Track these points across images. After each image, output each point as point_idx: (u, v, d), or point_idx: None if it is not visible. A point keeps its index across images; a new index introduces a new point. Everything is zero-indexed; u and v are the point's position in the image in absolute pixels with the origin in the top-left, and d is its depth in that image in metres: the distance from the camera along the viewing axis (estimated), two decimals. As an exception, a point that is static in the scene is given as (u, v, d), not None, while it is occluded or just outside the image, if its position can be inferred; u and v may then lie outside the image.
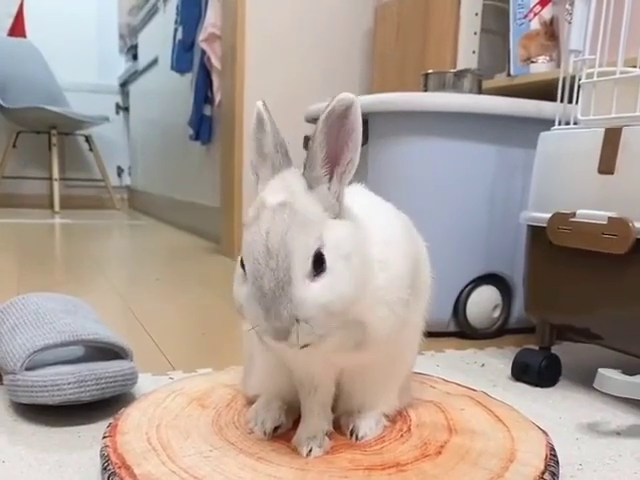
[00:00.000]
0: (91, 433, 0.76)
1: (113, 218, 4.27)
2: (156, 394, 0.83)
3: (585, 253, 0.93)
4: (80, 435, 0.76)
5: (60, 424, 0.78)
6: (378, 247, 0.62)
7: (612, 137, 0.90)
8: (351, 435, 0.70)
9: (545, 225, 0.99)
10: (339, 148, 0.58)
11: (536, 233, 1.03)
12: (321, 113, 0.58)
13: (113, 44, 5.06)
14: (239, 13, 2.21)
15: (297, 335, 0.54)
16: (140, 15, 4.25)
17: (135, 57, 4.55)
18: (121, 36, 4.96)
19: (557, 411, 0.91)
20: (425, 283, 0.73)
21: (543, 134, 1.07)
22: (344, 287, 0.56)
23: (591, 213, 0.92)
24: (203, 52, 2.61)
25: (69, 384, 0.77)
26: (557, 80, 1.02)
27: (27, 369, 0.79)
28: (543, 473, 0.64)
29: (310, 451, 0.65)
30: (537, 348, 1.05)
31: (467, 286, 1.32)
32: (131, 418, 0.74)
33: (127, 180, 5.27)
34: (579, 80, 0.99)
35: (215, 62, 2.54)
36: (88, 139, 4.81)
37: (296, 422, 0.70)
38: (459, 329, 1.34)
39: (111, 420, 0.74)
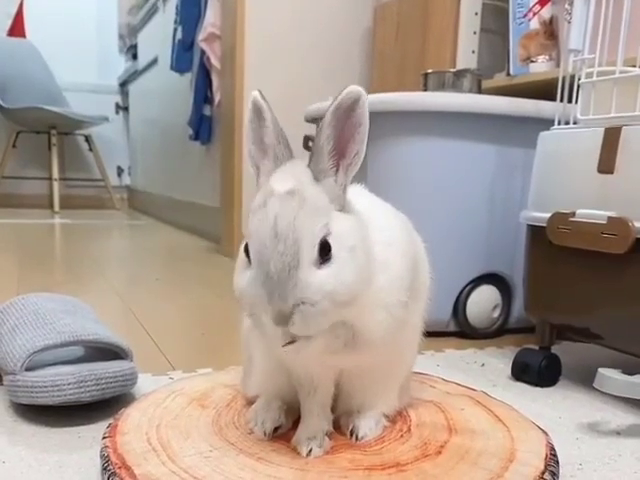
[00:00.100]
0: (91, 433, 0.76)
1: (113, 218, 4.27)
2: (156, 394, 0.83)
3: (585, 253, 0.93)
4: (80, 435, 0.76)
5: (60, 424, 0.78)
6: (378, 247, 0.62)
7: (612, 136, 0.90)
8: (351, 435, 0.70)
9: (545, 225, 0.99)
10: (346, 141, 0.58)
11: (536, 233, 1.03)
12: (329, 106, 0.57)
13: (113, 44, 5.06)
14: (238, 13, 2.21)
15: (295, 321, 0.54)
16: (140, 15, 4.25)
17: (135, 57, 4.55)
18: (121, 36, 4.96)
19: (557, 411, 0.91)
20: (424, 284, 0.73)
21: (543, 134, 1.07)
22: (349, 277, 0.56)
23: (591, 213, 0.92)
24: (203, 52, 2.61)
25: (69, 384, 0.77)
26: (557, 80, 1.02)
27: (27, 369, 0.79)
28: (543, 473, 0.64)
29: (310, 451, 0.65)
30: (537, 348, 1.05)
31: (467, 286, 1.32)
32: (131, 418, 0.74)
33: (127, 180, 5.27)
34: (579, 80, 0.99)
35: (215, 62, 2.54)
36: (88, 139, 4.81)
37: (296, 422, 0.70)
38: (459, 329, 1.34)
39: (111, 420, 0.74)
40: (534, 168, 1.07)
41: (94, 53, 5.19)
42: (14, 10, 4.72)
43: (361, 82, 2.36)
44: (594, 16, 0.96)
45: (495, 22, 1.80)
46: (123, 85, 5.15)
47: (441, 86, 1.42)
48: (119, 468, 0.61)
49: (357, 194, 0.67)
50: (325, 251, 0.55)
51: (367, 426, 0.71)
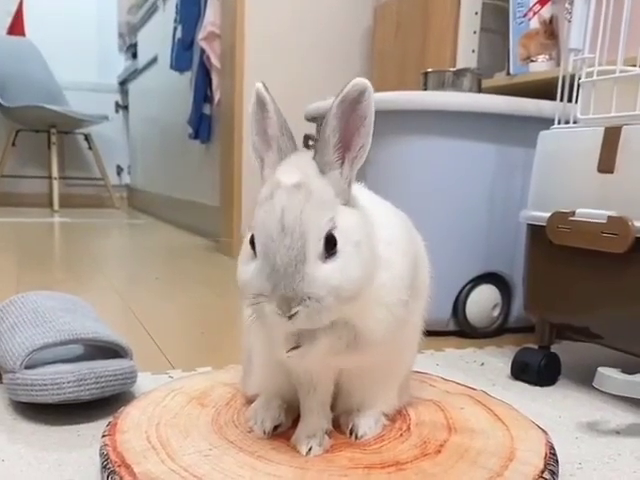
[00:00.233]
0: (91, 432, 0.76)
1: (112, 217, 4.26)
2: (156, 393, 0.83)
3: (585, 252, 0.93)
4: (80, 434, 0.76)
5: (60, 423, 0.78)
6: (380, 245, 0.62)
7: (612, 136, 0.90)
8: (350, 434, 0.70)
9: (545, 224, 0.99)
10: (351, 133, 0.58)
11: (536, 232, 1.03)
12: (335, 98, 0.57)
13: (112, 43, 5.06)
14: (238, 12, 2.21)
15: (299, 316, 0.53)
16: (139, 14, 4.25)
17: (134, 56, 4.55)
18: (120, 35, 4.96)
19: (557, 410, 0.91)
20: (424, 283, 0.73)
21: (543, 133, 1.07)
22: (354, 272, 0.56)
23: (591, 212, 0.92)
24: (202, 51, 2.61)
25: (69, 383, 0.77)
26: (557, 79, 1.02)
27: (27, 368, 0.79)
28: (543, 472, 0.63)
29: (310, 450, 0.65)
30: (537, 347, 1.05)
31: (467, 285, 1.32)
32: (131, 417, 0.74)
33: (126, 179, 5.27)
34: (579, 79, 0.99)
35: (214, 61, 2.54)
36: (87, 138, 4.81)
37: (296, 421, 0.70)
38: (459, 328, 1.34)
39: (111, 419, 0.74)
40: (534, 167, 1.07)
41: (94, 52, 5.19)
42: (14, 8, 4.72)
43: (361, 81, 2.35)
44: (594, 15, 0.96)
45: (495, 21, 1.80)
46: (123, 84, 5.15)
47: (441, 85, 1.42)
48: (118, 466, 0.61)
49: (357, 193, 0.67)
50: (331, 245, 0.55)
51: (367, 425, 0.71)
